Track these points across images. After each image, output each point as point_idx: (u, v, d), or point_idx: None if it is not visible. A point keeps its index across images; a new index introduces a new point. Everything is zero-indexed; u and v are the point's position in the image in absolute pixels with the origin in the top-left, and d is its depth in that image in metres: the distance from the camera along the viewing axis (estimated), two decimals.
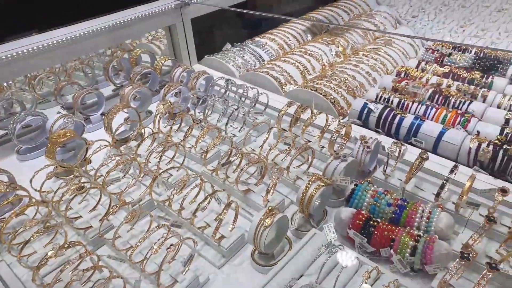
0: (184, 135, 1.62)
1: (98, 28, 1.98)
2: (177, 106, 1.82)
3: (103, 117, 1.74)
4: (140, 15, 2.11)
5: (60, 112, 1.97)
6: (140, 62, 2.33)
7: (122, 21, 2.05)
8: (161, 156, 1.50)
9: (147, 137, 1.64)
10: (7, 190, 1.39)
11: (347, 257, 1.10)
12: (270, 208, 1.18)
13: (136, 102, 2.02)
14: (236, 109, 1.76)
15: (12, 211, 1.30)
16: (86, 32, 1.94)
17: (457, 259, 1.02)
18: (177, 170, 1.54)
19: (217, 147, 1.66)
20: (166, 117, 1.81)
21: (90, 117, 1.95)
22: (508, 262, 1.11)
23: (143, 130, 1.72)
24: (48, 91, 2.27)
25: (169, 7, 2.21)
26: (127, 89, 1.85)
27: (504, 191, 1.17)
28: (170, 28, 2.32)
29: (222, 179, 1.48)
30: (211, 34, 3.07)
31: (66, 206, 1.33)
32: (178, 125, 1.78)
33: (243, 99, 1.93)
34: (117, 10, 2.14)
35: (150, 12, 2.14)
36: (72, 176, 1.44)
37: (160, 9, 2.17)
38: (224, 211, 1.22)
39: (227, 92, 2.01)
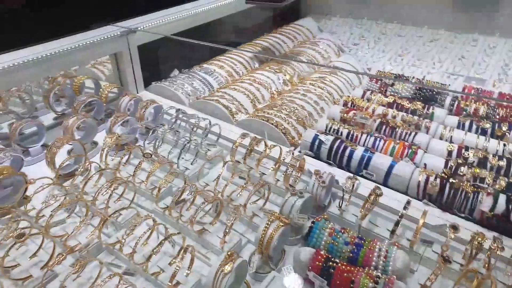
0: (134, 171, 1.54)
1: (40, 57, 1.85)
2: (125, 138, 1.73)
3: (44, 149, 1.61)
4: (86, 43, 2.02)
5: None
6: (84, 88, 2.20)
7: (67, 49, 1.95)
8: (110, 195, 1.41)
9: (94, 174, 1.53)
10: None
11: None
12: (229, 253, 1.14)
13: (80, 132, 1.89)
14: (188, 142, 1.71)
15: None
16: (26, 61, 1.81)
17: None
18: (126, 209, 1.45)
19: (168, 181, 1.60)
20: (114, 148, 1.71)
21: (29, 149, 1.79)
22: None
23: (88, 164, 1.61)
24: None
25: (116, 34, 2.13)
26: (71, 121, 1.72)
27: (454, 227, 1.21)
28: (116, 55, 2.23)
29: (175, 218, 1.42)
30: (157, 60, 2.98)
31: (4, 255, 1.19)
32: (126, 158, 1.69)
33: (194, 129, 1.88)
34: (62, 36, 2.04)
35: (96, 40, 2.05)
36: (10, 216, 1.31)
37: (106, 37, 2.09)
38: (181, 256, 1.16)
39: (178, 122, 1.95)
